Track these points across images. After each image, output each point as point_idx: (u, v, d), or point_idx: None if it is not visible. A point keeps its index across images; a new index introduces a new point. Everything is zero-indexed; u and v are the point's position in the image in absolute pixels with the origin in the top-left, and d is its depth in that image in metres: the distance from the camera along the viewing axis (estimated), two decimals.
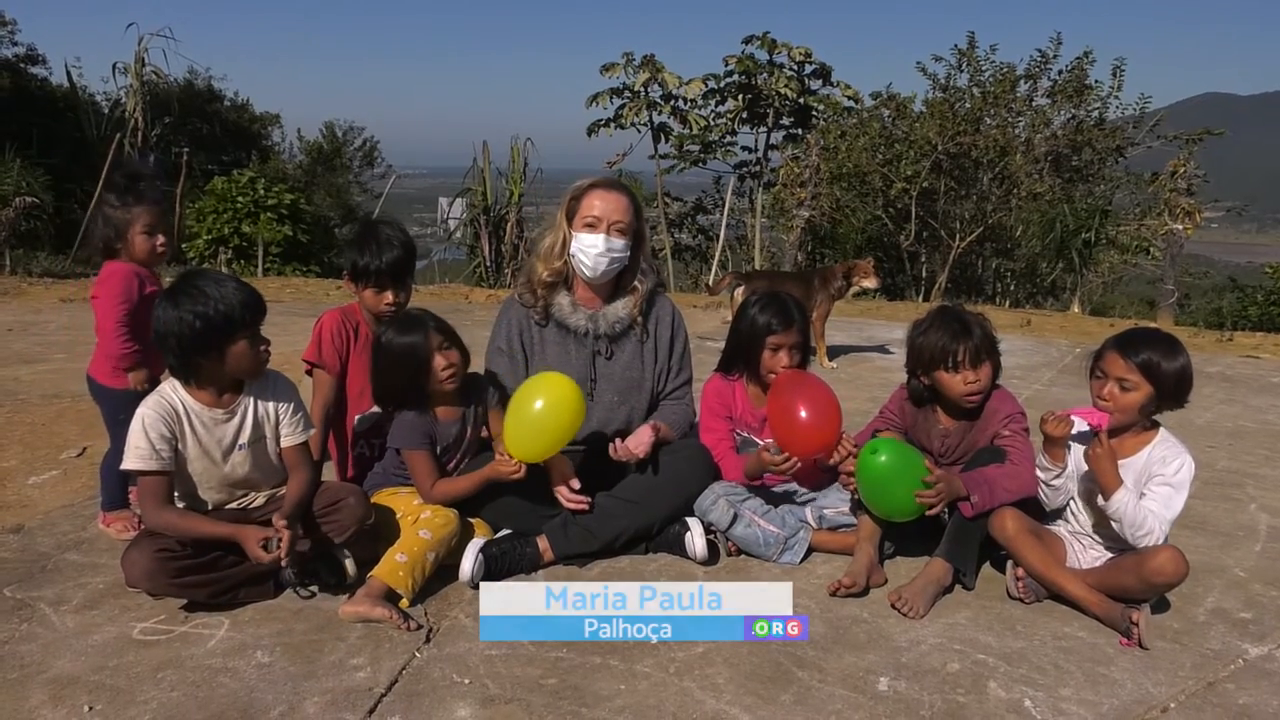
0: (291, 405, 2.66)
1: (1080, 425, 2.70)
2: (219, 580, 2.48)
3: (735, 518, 2.90)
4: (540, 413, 2.66)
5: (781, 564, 2.91)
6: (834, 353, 6.52)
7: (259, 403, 2.61)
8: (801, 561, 2.92)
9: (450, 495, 2.80)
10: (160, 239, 3.07)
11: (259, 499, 2.69)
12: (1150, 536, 2.50)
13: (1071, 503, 2.77)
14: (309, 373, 3.12)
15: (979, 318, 2.88)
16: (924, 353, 2.85)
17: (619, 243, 2.98)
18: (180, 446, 2.50)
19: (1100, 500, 2.55)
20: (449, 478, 2.85)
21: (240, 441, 2.58)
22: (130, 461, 2.43)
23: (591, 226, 2.97)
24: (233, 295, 2.45)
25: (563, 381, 2.72)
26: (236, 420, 2.57)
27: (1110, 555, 2.68)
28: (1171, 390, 2.54)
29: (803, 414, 2.76)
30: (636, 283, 3.11)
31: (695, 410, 3.23)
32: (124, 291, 2.93)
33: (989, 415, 2.89)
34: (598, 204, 2.98)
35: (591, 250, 2.96)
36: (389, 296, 3.04)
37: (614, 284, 3.11)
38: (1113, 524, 2.56)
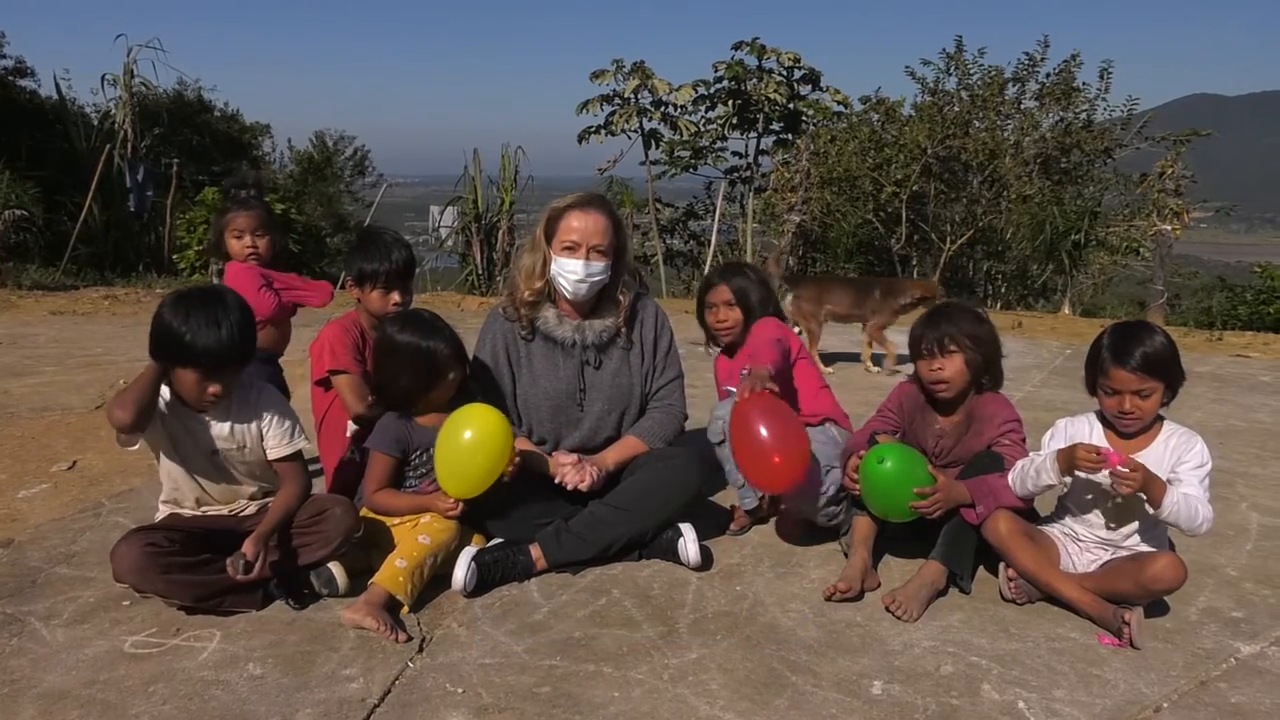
0: (277, 418, 2.64)
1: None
2: (205, 584, 2.46)
3: None
4: (469, 447, 2.64)
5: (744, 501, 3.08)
6: (829, 359, 6.53)
7: (236, 418, 2.59)
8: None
9: (387, 507, 2.81)
10: (248, 240, 3.48)
11: (251, 508, 2.67)
12: (1207, 523, 2.48)
13: (1068, 508, 2.77)
14: (321, 383, 3.10)
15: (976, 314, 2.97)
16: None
17: (598, 265, 2.98)
18: (160, 424, 2.52)
19: (1150, 510, 2.50)
20: (392, 491, 2.84)
21: (215, 448, 2.58)
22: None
23: (571, 250, 2.96)
24: (205, 337, 2.38)
25: (489, 414, 2.68)
26: (214, 429, 2.57)
27: (1105, 558, 2.68)
28: (1174, 375, 2.55)
29: (777, 460, 2.69)
30: (620, 295, 3.11)
31: (684, 411, 3.23)
32: (243, 288, 3.17)
33: (985, 419, 2.90)
34: (576, 226, 2.97)
35: (571, 276, 2.97)
36: (395, 297, 3.07)
37: (596, 299, 3.11)
38: (1168, 525, 2.53)
